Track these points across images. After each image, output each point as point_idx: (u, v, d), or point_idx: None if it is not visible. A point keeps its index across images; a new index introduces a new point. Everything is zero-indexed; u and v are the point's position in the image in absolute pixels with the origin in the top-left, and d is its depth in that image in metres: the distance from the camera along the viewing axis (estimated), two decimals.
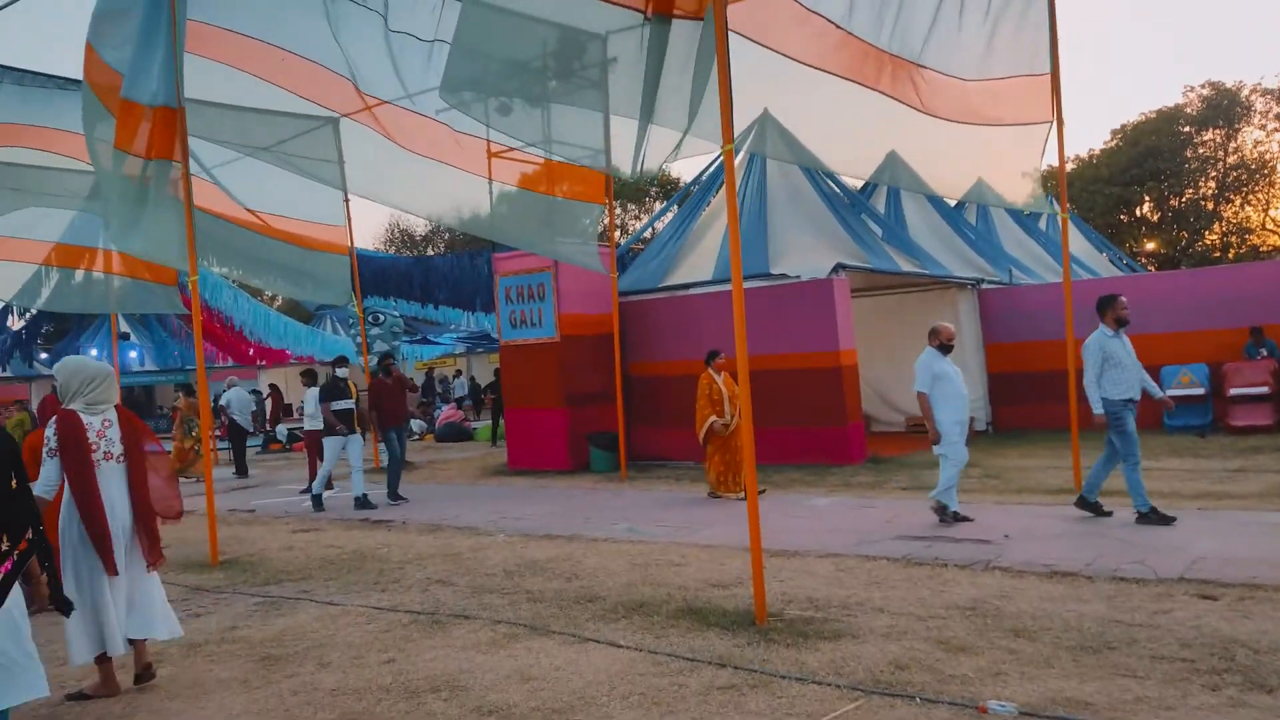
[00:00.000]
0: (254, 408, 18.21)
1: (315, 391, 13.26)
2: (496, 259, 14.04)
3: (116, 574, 4.73)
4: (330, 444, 11.54)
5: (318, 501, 11.57)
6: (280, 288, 17.75)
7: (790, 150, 12.60)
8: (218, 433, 19.21)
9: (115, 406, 5.01)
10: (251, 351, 33.04)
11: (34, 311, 30.68)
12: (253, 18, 11.27)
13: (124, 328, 34.10)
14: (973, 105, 9.17)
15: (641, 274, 14.52)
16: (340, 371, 11.83)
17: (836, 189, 15.02)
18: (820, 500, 9.66)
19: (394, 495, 11.72)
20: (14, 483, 3.74)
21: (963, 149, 9.60)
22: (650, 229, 30.48)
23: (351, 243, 15.19)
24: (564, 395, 13.24)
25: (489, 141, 12.65)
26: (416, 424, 22.36)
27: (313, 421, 13.18)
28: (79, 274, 19.83)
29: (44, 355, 33.17)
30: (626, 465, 12.55)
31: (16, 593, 3.70)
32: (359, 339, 27.63)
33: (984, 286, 15.62)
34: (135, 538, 4.86)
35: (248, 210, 15.50)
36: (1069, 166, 30.22)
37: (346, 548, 8.77)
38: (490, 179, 12.61)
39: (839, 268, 12.47)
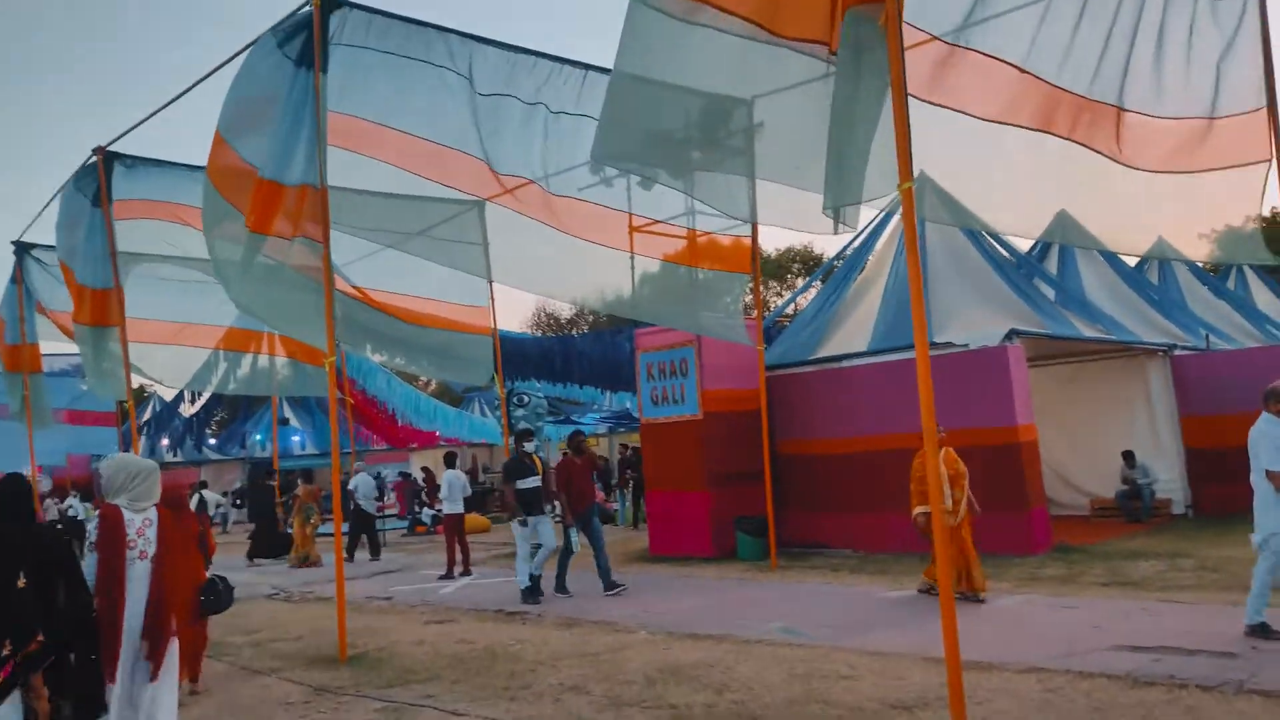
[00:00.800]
0: (377, 494, 18.18)
1: (454, 475, 12.88)
2: (638, 335, 13.47)
3: (114, 681, 4.32)
4: (518, 532, 10.53)
5: (530, 592, 10.28)
6: (424, 369, 17.72)
7: (950, 212, 11.63)
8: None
9: (156, 506, 4.74)
10: (403, 435, 33.77)
11: (205, 398, 32.40)
12: (390, 107, 11.29)
13: (285, 413, 35.50)
14: (1180, 149, 7.99)
15: (790, 346, 13.63)
16: (527, 446, 10.94)
17: (1002, 249, 13.81)
18: (1008, 599, 8.36)
19: (561, 587, 10.56)
20: (21, 582, 3.27)
21: (1158, 200, 8.40)
22: (793, 304, 29.61)
23: (495, 323, 14.96)
24: (707, 476, 12.37)
25: (630, 215, 12.24)
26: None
27: (451, 504, 12.78)
28: (246, 358, 20.58)
29: (212, 441, 34.81)
30: (777, 552, 11.51)
31: (12, 703, 3.22)
32: (509, 421, 27.74)
33: (1177, 353, 13.93)
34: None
35: (388, 294, 15.62)
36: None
37: (478, 643, 8.09)
38: (632, 253, 12.14)
39: (1013, 334, 11.24)
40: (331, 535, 9.89)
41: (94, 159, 11.80)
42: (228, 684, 7.57)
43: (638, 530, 17.20)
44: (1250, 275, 20.70)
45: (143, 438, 33.20)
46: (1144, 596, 8.03)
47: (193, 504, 19.83)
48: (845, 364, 12.52)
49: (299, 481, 18.42)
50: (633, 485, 17.72)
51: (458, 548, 12.75)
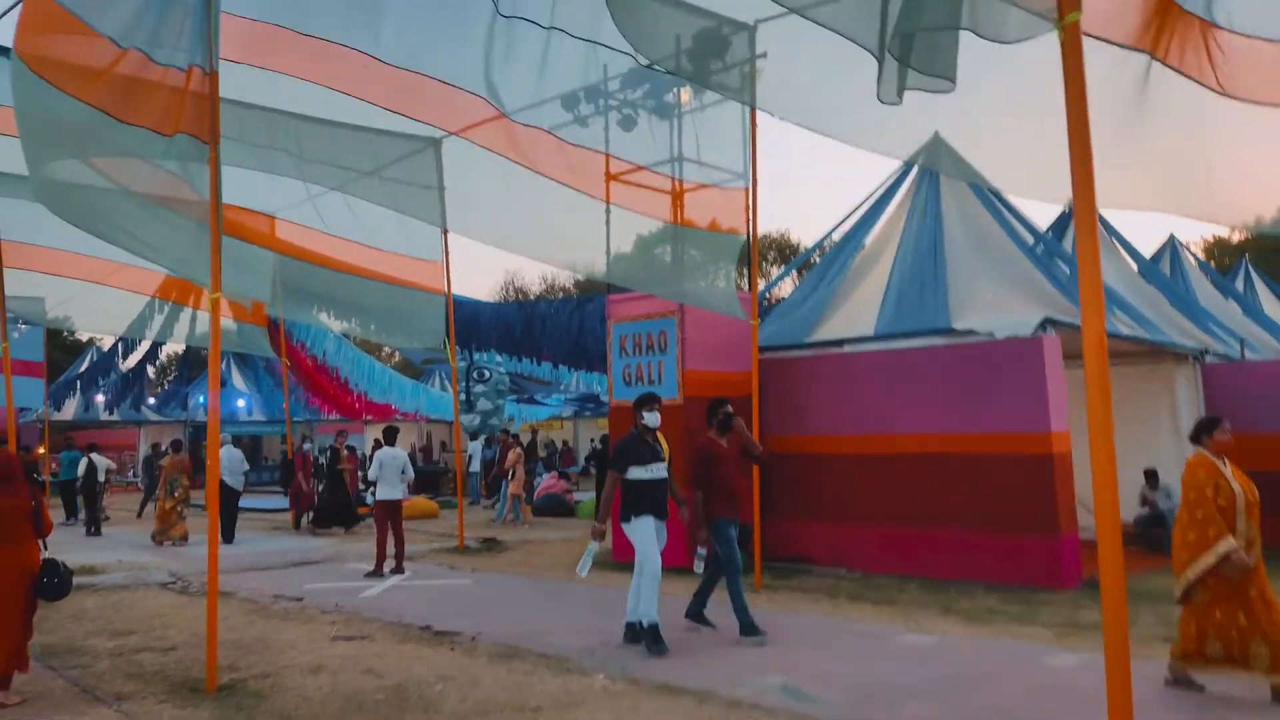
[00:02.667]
0: (246, 467, 16.50)
1: (389, 453, 10.95)
2: (610, 301, 11.57)
3: None
4: (639, 531, 7.14)
5: (652, 639, 6.92)
6: (370, 331, 15.78)
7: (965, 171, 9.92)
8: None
9: None
10: (358, 406, 31.62)
11: (142, 350, 29.99)
12: (321, 15, 9.19)
13: (234, 380, 33.21)
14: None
15: (782, 326, 11.81)
16: (648, 417, 7.26)
17: (1021, 226, 12.05)
18: (1062, 656, 6.57)
19: (750, 628, 7.22)
20: None
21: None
22: (769, 294, 27.82)
23: (449, 282, 13.02)
24: (685, 473, 10.52)
25: (607, 157, 10.34)
26: None
27: (385, 488, 10.85)
28: (185, 312, 18.52)
29: (151, 401, 32.42)
30: (761, 568, 9.74)
31: None
32: (463, 396, 25.76)
33: (1208, 361, 12.31)
34: None
35: (332, 240, 13.63)
36: None
37: (388, 678, 6.19)
38: (608, 203, 10.25)
39: (1047, 324, 9.50)
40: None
41: None
42: (50, 712, 5.64)
43: (573, 525, 15.36)
44: (1256, 280, 19.21)
45: (76, 393, 30.79)
46: None
47: (81, 467, 17.84)
48: (848, 349, 10.74)
49: (168, 451, 16.49)
50: (596, 477, 15.84)
51: (390, 540, 10.83)
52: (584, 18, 9.56)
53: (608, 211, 10.22)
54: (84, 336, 38.50)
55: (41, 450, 24.66)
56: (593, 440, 34.37)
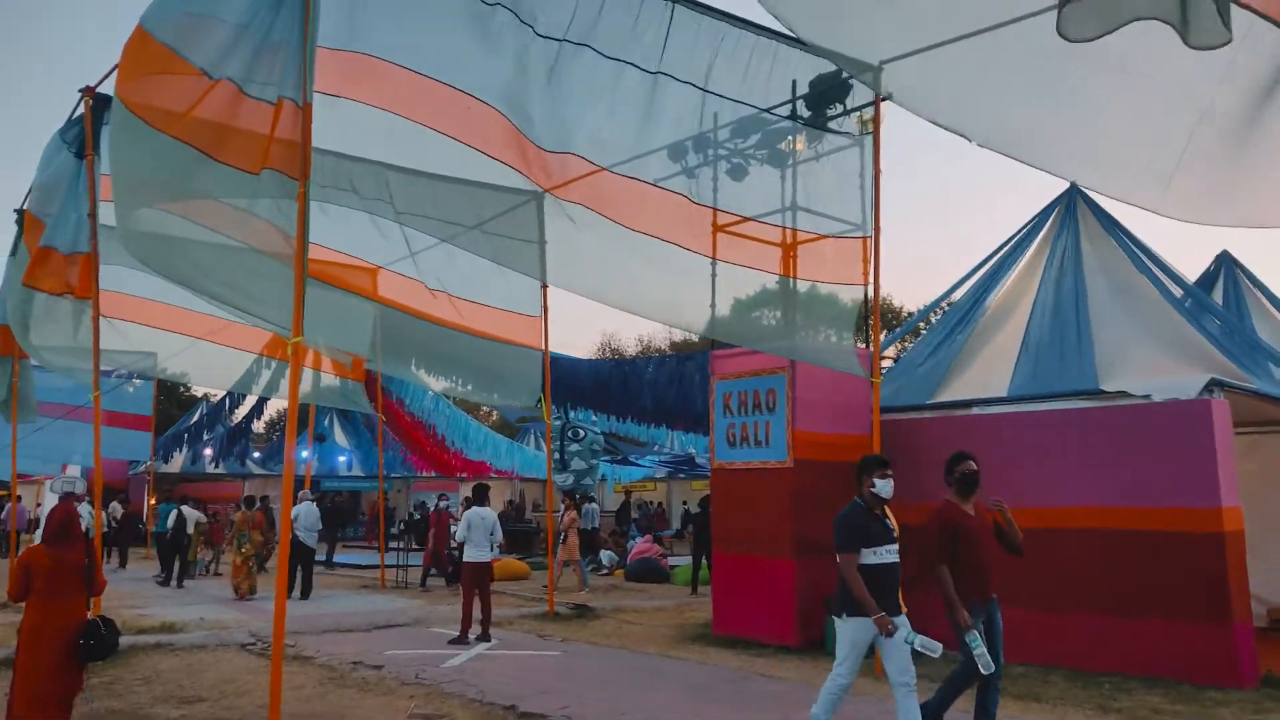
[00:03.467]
0: (320, 526, 15.98)
1: (479, 513, 10.33)
2: (714, 357, 10.82)
3: None
4: (850, 633, 5.56)
5: None
6: (466, 389, 15.39)
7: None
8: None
9: None
10: (454, 463, 31.44)
11: (249, 405, 30.45)
12: (420, 50, 8.80)
13: (326, 429, 33.51)
14: None
15: (901, 386, 10.83)
16: (880, 486, 5.76)
17: (1169, 280, 10.84)
18: None
19: None
20: None
21: None
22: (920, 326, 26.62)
23: (546, 336, 12.49)
24: (795, 541, 9.58)
25: (715, 211, 9.71)
26: (607, 556, 19.18)
27: (473, 550, 10.20)
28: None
29: (256, 454, 32.92)
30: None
31: None
32: (558, 455, 25.25)
33: None
34: None
35: (433, 292, 13.31)
36: None
37: None
38: (714, 258, 9.58)
39: (1215, 386, 8.33)
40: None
41: (81, 105, 9.67)
42: None
43: (697, 596, 14.41)
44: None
45: (184, 447, 31.47)
46: None
47: (171, 519, 17.82)
48: (978, 411, 9.69)
49: (240, 507, 16.31)
50: (693, 542, 14.92)
51: (476, 606, 10.15)
52: (695, 63, 9.07)
53: (714, 266, 9.57)
54: (198, 392, 39.69)
55: (152, 502, 25.09)
56: (685, 503, 33.39)
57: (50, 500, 30.04)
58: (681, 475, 34.56)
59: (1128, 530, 8.37)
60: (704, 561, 14.70)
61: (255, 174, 6.28)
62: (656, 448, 29.50)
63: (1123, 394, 8.76)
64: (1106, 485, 8.55)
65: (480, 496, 10.52)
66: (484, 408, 47.98)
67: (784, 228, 9.68)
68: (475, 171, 10.77)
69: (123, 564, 20.77)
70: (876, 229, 9.04)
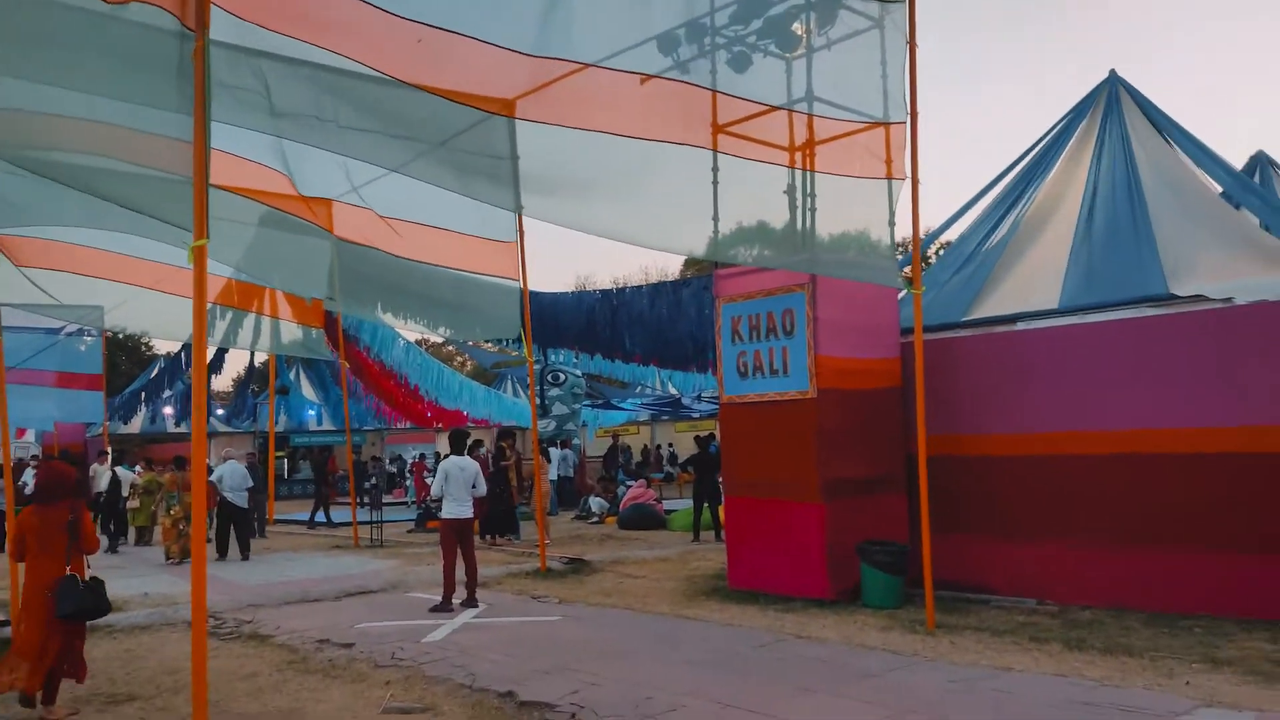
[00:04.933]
0: (250, 483, 14.63)
1: (457, 463, 9.01)
2: (719, 277, 9.45)
3: None
4: None
5: None
6: (437, 327, 13.97)
7: None
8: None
9: None
10: (429, 413, 30.08)
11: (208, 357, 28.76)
12: None
13: (303, 389, 31.97)
14: None
15: (931, 303, 9.57)
16: None
17: (1220, 170, 9.59)
18: None
19: None
20: None
21: None
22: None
23: (523, 262, 11.07)
24: (821, 481, 8.35)
25: (714, 94, 8.23)
26: (596, 503, 17.98)
27: (453, 505, 8.89)
28: (249, 317, 17.08)
29: (220, 411, 31.33)
30: (916, 599, 7.55)
31: None
32: (540, 400, 23.93)
33: None
34: None
35: (389, 221, 11.81)
36: None
37: None
38: (715, 150, 8.15)
39: None
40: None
41: None
42: None
43: (700, 544, 13.24)
44: None
45: (144, 406, 29.81)
46: None
47: (104, 481, 16.38)
48: (1022, 326, 8.45)
49: (170, 468, 15.10)
50: (695, 485, 13.71)
51: (460, 567, 8.88)
52: None
53: (715, 162, 8.10)
54: (160, 348, 37.84)
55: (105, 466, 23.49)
56: (670, 445, 32.30)
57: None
58: (665, 417, 33.42)
59: (1215, 454, 7.21)
60: (705, 506, 13.55)
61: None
62: (640, 389, 28.28)
63: (1199, 298, 7.54)
64: (1186, 403, 7.37)
65: (458, 443, 9.18)
66: (459, 356, 46.48)
67: (802, 113, 8.22)
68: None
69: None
70: (913, 112, 7.66)
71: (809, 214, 8.07)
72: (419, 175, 11.11)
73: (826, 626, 7.41)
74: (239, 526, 13.88)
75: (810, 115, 7.91)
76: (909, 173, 7.66)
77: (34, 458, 24.98)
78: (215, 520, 13.97)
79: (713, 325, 10.63)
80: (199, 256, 4.63)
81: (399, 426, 31.81)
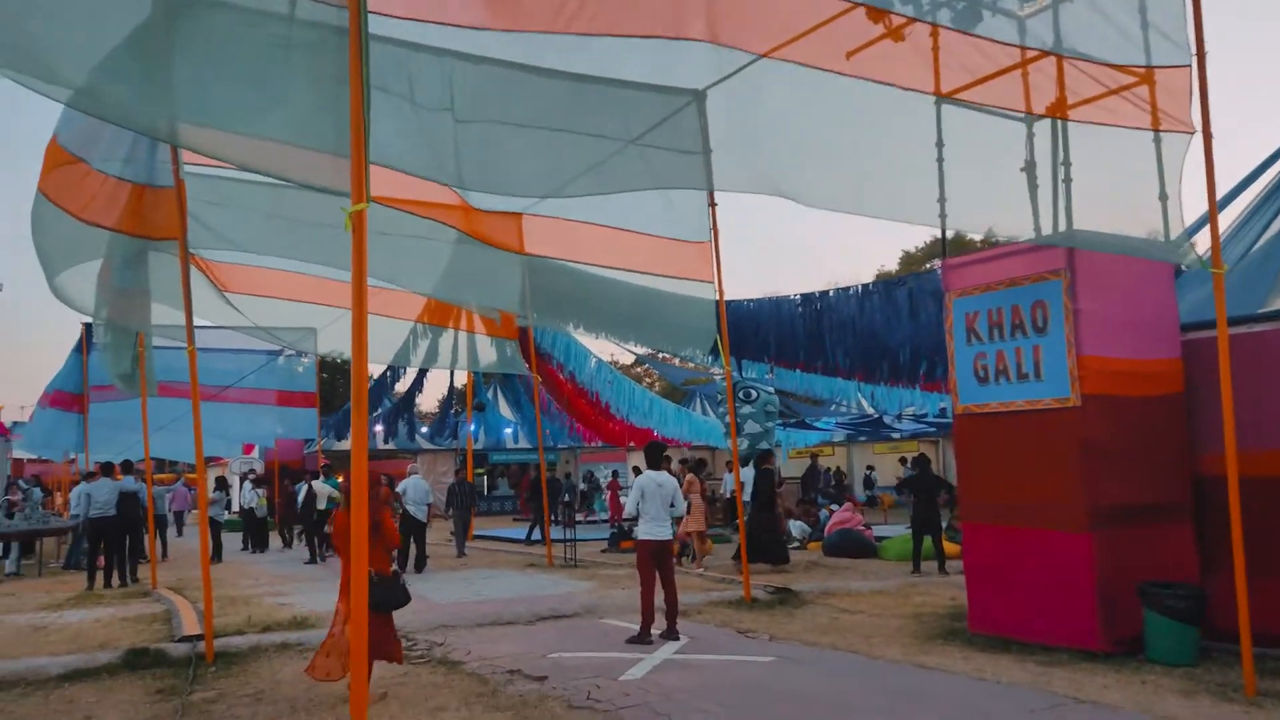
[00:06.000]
0: (430, 499, 14.64)
1: (654, 479, 8.15)
2: (949, 268, 8.13)
3: None
4: None
5: None
6: (629, 337, 13.33)
7: None
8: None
9: None
10: (621, 432, 29.75)
11: (411, 377, 29.63)
12: None
13: (500, 408, 32.48)
14: None
15: (1211, 290, 7.85)
16: None
17: None
18: None
19: None
20: None
21: None
22: None
23: (716, 255, 10.17)
24: (1088, 507, 6.87)
25: (935, 30, 6.96)
26: (797, 527, 16.74)
27: (650, 526, 8.04)
28: (446, 334, 17.21)
29: (424, 429, 32.29)
30: (1208, 652, 5.96)
31: None
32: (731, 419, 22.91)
33: None
34: None
35: (580, 226, 11.24)
36: None
37: None
38: (938, 93, 6.88)
39: None
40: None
41: None
42: None
43: (921, 576, 11.78)
44: None
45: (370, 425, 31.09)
46: None
47: (301, 493, 16.65)
48: None
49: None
50: (914, 510, 12.26)
51: (659, 595, 8.00)
52: None
53: (937, 109, 6.80)
54: (374, 370, 39.81)
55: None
56: (870, 469, 30.38)
57: (234, 480, 30.41)
58: (862, 438, 31.58)
59: None
60: (926, 536, 12.09)
61: None
62: (836, 405, 26.70)
63: None
64: None
65: (654, 459, 8.31)
66: (647, 377, 46.24)
67: (1055, 54, 6.83)
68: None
69: (286, 544, 19.99)
70: (1200, 51, 6.16)
71: (1062, 180, 6.69)
72: (609, 175, 10.48)
73: (1109, 687, 5.96)
74: (417, 541, 14.03)
75: (1060, 59, 6.51)
76: (1198, 125, 6.17)
77: (250, 471, 26.49)
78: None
79: (932, 331, 9.30)
80: (357, 222, 3.96)
81: (592, 445, 31.69)
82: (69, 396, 23.21)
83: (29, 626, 8.95)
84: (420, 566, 14.08)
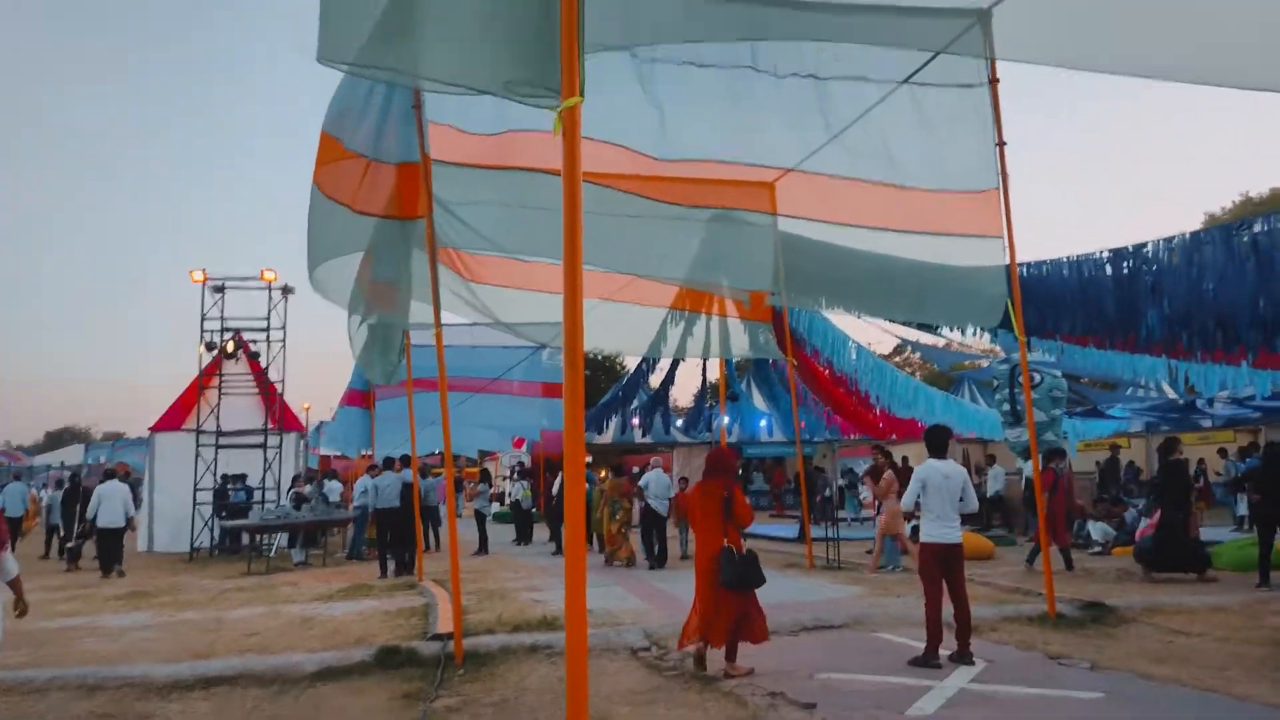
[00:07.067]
0: (672, 493, 14.03)
1: (939, 469, 6.87)
2: None
3: None
4: None
5: None
6: (894, 312, 11.97)
7: None
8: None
9: None
10: (881, 424, 27.93)
11: (664, 368, 29.35)
12: None
13: (754, 399, 31.60)
14: None
15: None
16: None
17: None
18: None
19: None
20: None
21: None
22: None
23: (1006, 204, 8.62)
24: None
25: None
26: (1099, 529, 14.50)
27: (936, 525, 6.76)
28: (699, 320, 16.65)
29: (679, 422, 32.04)
30: None
31: None
32: (1006, 405, 20.63)
33: None
34: None
35: (839, 182, 10.07)
36: None
37: None
38: None
39: None
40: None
41: None
42: None
43: (1271, 590, 9.51)
44: None
45: (616, 415, 31.35)
46: None
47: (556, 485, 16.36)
48: None
49: (608, 473, 14.87)
50: (1260, 509, 9.94)
51: (946, 608, 6.71)
52: None
53: None
54: (630, 362, 40.40)
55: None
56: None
57: (504, 472, 31.70)
58: (1165, 428, 27.54)
59: None
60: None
61: None
62: (1138, 386, 23.39)
63: None
64: None
65: (939, 445, 6.99)
66: (914, 357, 43.38)
67: None
68: None
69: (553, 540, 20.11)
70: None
71: None
72: (881, 117, 9.32)
73: None
74: (660, 535, 13.79)
75: None
76: None
77: (518, 464, 27.29)
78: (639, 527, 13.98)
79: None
80: (570, 119, 3.17)
81: (851, 438, 30.03)
82: (360, 394, 25.04)
83: (299, 618, 9.14)
84: (662, 562, 13.74)
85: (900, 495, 12.32)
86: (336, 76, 8.15)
